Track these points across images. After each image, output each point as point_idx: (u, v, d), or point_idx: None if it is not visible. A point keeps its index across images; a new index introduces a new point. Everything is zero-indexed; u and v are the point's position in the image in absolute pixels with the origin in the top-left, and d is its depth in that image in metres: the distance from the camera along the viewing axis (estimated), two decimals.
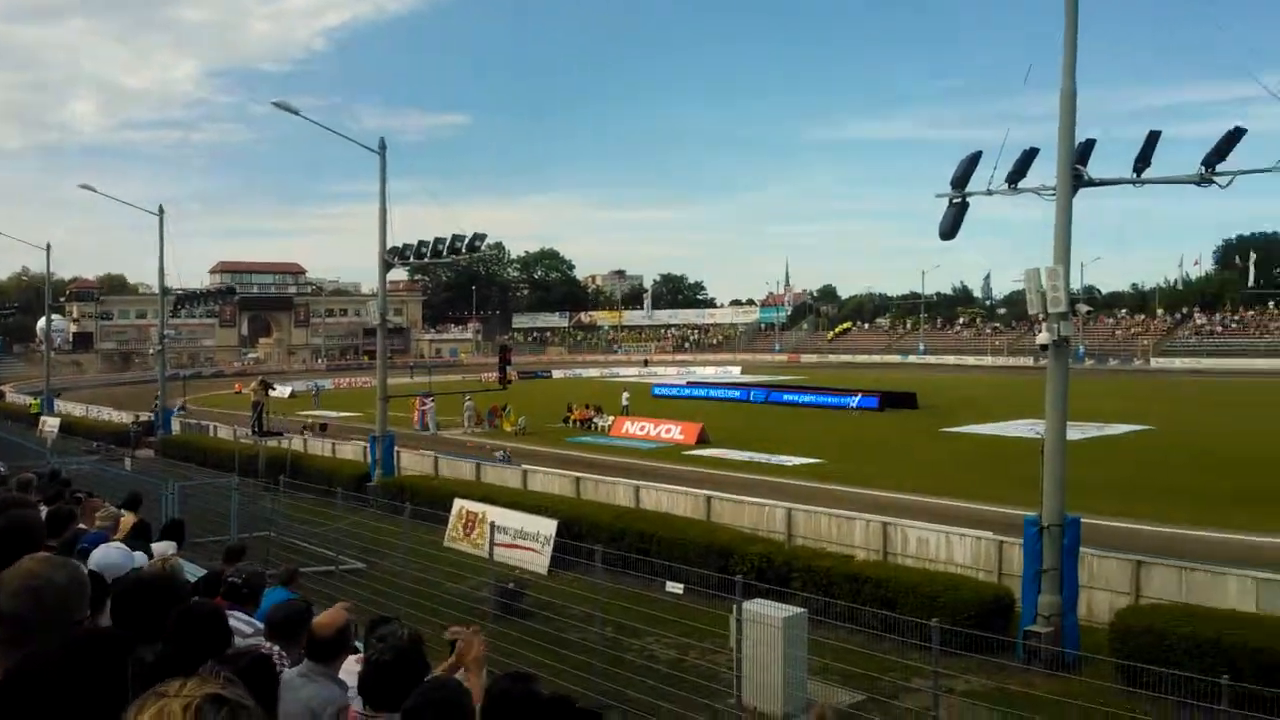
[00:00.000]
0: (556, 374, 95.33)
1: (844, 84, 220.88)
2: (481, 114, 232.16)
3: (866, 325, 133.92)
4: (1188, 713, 10.20)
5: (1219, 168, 12.77)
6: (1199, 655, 11.18)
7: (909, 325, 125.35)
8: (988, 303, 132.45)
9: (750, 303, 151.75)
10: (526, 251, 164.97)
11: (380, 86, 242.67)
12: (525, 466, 26.09)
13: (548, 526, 18.88)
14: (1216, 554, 17.82)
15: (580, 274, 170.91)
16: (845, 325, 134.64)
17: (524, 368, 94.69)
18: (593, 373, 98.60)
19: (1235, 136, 12.77)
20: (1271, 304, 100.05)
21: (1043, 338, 13.56)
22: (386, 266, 28.31)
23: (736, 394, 61.81)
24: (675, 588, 13.60)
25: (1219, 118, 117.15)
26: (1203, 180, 12.86)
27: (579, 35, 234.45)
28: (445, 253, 26.78)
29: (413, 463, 29.09)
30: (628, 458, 34.58)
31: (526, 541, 19.03)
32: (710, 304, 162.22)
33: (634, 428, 41.74)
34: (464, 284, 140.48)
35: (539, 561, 18.49)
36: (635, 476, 25.60)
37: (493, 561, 16.78)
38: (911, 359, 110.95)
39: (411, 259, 28.34)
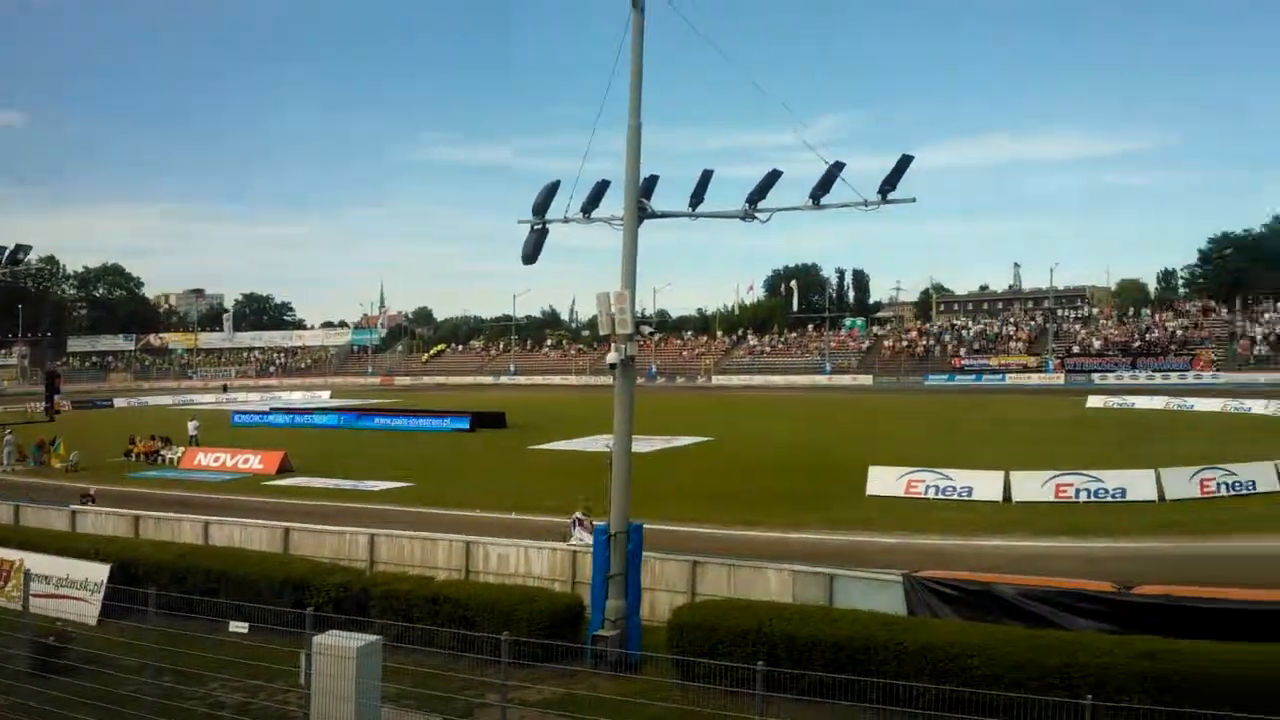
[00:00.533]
0: (120, 403, 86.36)
1: (439, 108, 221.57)
2: (42, 114, 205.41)
3: (461, 347, 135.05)
4: (732, 699, 11.28)
5: (760, 204, 14.31)
6: (744, 644, 12.34)
7: (501, 347, 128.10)
8: (574, 325, 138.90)
9: (343, 324, 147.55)
10: (86, 267, 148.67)
11: None
12: (74, 507, 23.37)
13: (98, 571, 17.04)
14: (762, 550, 19.94)
15: (150, 292, 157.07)
16: (440, 347, 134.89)
17: (80, 396, 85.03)
18: (164, 400, 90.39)
19: (773, 178, 14.38)
20: (810, 327, 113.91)
21: (611, 357, 14.32)
22: None
23: (325, 419, 59.71)
24: (239, 627, 12.79)
25: (763, 161, 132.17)
26: (746, 215, 14.33)
27: (163, 35, 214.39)
28: None
29: None
30: (200, 492, 32.12)
31: (73, 590, 17.05)
32: (299, 325, 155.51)
33: (207, 459, 38.80)
34: (7, 302, 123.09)
35: (87, 611, 16.63)
36: (207, 511, 23.88)
37: (29, 615, 14.82)
38: (503, 380, 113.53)
39: None
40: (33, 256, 23.42)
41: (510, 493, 29.55)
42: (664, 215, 14.87)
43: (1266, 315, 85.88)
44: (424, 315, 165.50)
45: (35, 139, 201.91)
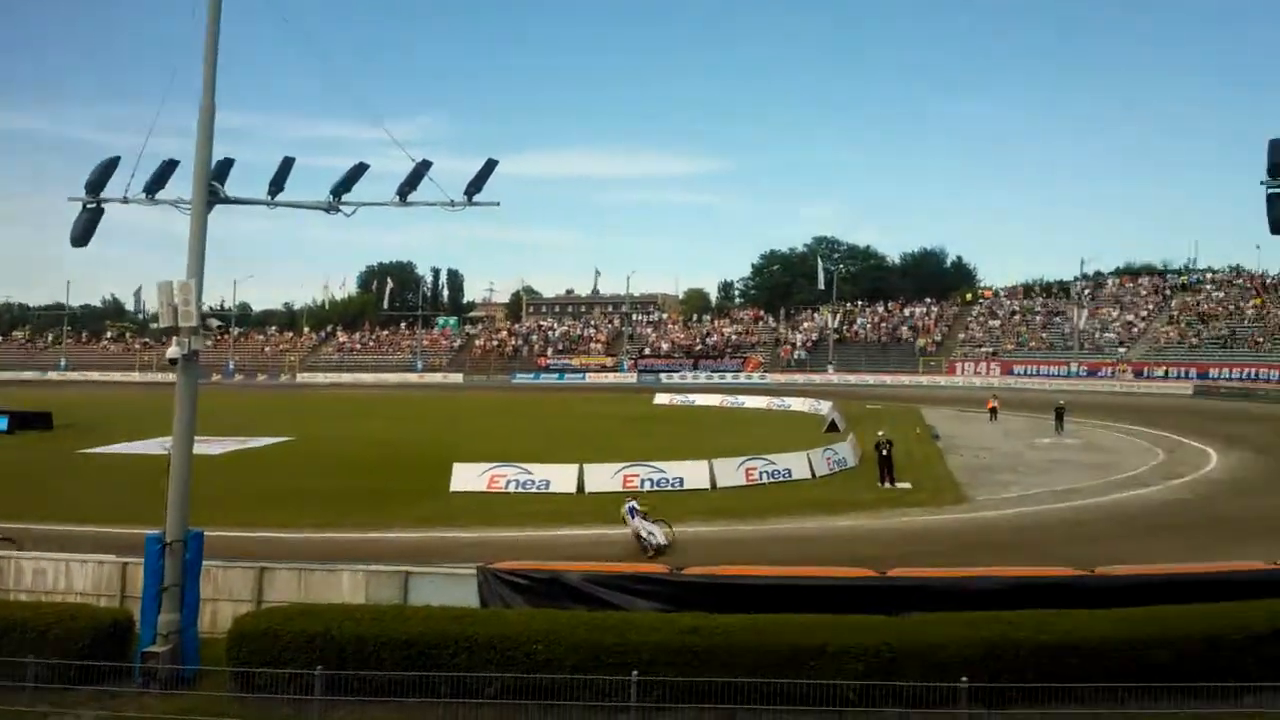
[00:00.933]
0: None
1: None
2: None
3: (2, 339, 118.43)
4: (297, 707, 10.94)
5: (346, 198, 13.97)
6: (310, 650, 11.96)
7: (50, 339, 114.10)
8: (140, 316, 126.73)
9: None
10: None
11: None
12: None
13: None
14: (341, 552, 19.48)
15: None
16: None
17: None
18: None
19: (359, 171, 14.11)
20: (403, 324, 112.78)
21: (172, 352, 13.33)
22: None
23: None
24: None
25: (356, 154, 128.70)
26: (330, 208, 13.94)
27: None
28: None
29: None
30: None
31: None
32: None
33: None
34: None
35: None
36: None
37: None
38: (52, 375, 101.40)
39: None
40: None
41: (55, 501, 26.41)
42: (238, 202, 14.08)
43: (805, 324, 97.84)
44: None
45: None
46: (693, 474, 28.22)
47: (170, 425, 13.39)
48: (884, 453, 28.78)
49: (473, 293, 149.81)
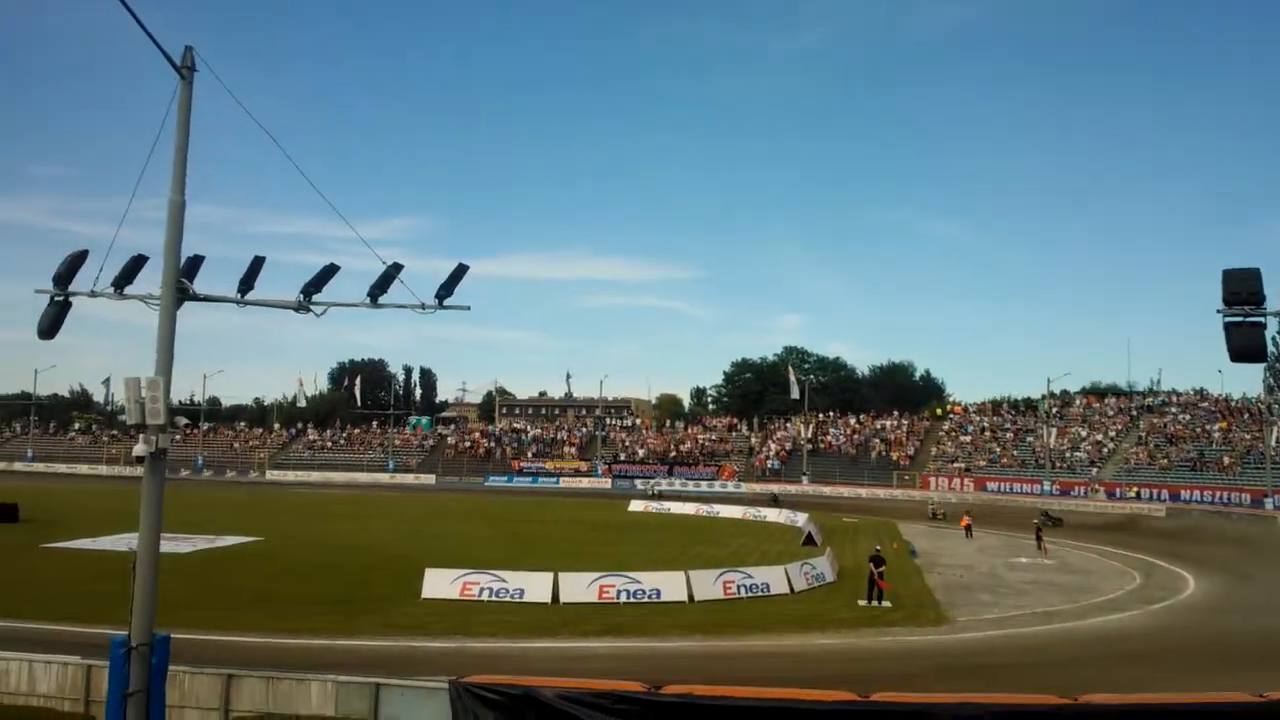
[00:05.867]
0: None
1: None
2: None
3: None
4: None
5: (316, 298, 13.99)
6: None
7: (18, 429, 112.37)
8: (108, 408, 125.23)
9: None
10: None
11: None
12: None
13: None
14: (311, 660, 18.97)
15: None
16: None
17: None
18: None
19: (330, 272, 14.15)
20: (375, 423, 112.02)
21: (139, 449, 13.09)
22: None
23: None
24: None
25: (329, 251, 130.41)
26: (301, 307, 13.93)
27: None
28: None
29: None
30: None
31: None
32: None
33: None
34: None
35: None
36: None
37: None
38: (18, 466, 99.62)
39: None
40: None
41: (16, 598, 25.66)
42: (208, 299, 14.03)
43: (779, 433, 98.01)
44: None
45: None
46: (670, 586, 27.84)
47: (136, 521, 13.11)
48: (874, 568, 28.66)
49: (445, 392, 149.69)
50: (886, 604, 28.12)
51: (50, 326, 13.85)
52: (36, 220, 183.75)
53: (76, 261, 13.70)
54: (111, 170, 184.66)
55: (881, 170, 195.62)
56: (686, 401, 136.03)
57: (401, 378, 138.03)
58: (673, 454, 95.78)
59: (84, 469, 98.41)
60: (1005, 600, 30.32)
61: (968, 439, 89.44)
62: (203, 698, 14.29)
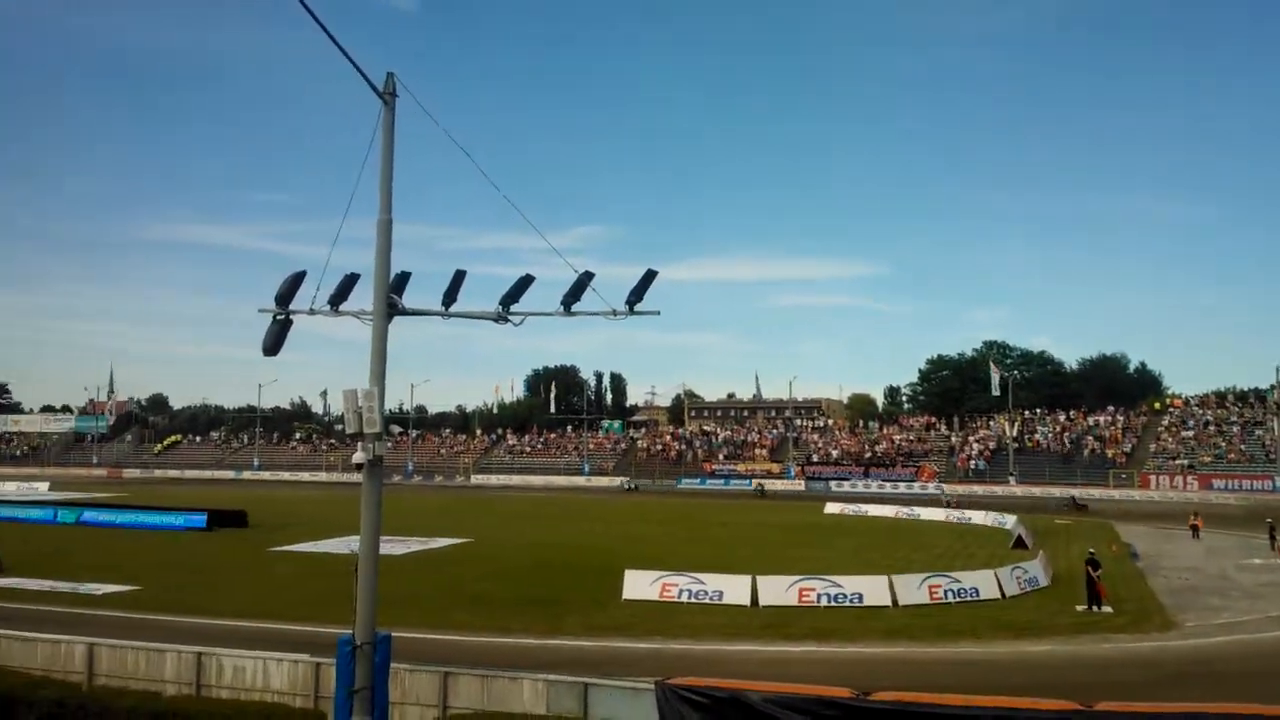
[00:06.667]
0: None
1: (173, 185, 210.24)
2: None
3: (199, 439, 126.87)
4: None
5: (513, 308, 14.32)
6: None
7: (245, 439, 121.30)
8: (326, 418, 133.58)
9: (66, 410, 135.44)
10: None
11: None
12: None
13: None
14: (519, 658, 19.55)
15: None
16: (175, 438, 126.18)
17: None
18: None
19: (526, 282, 14.45)
20: (569, 428, 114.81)
21: (358, 457, 13.70)
22: None
23: (41, 514, 54.11)
24: None
25: (521, 262, 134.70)
26: (500, 318, 14.28)
27: None
28: None
29: None
30: None
31: None
32: (15, 409, 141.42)
33: None
34: None
35: None
36: None
37: None
38: (246, 475, 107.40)
39: None
40: None
41: (249, 598, 27.68)
42: (416, 313, 14.56)
43: (981, 432, 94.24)
44: (158, 403, 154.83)
45: None
46: (872, 590, 27.10)
47: (353, 525, 13.73)
48: (1092, 571, 27.11)
49: (635, 396, 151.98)
50: (1107, 609, 26.45)
51: (274, 344, 14.64)
52: (255, 244, 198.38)
53: (295, 282, 14.43)
54: (321, 194, 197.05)
55: (1084, 152, 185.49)
56: (880, 401, 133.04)
57: (593, 383, 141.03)
58: (868, 455, 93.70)
59: (305, 476, 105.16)
60: (1236, 604, 28.00)
61: (1190, 434, 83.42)
62: (422, 695, 14.86)
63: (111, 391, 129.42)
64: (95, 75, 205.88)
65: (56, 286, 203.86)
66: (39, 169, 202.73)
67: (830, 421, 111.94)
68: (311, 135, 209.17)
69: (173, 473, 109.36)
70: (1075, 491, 70.34)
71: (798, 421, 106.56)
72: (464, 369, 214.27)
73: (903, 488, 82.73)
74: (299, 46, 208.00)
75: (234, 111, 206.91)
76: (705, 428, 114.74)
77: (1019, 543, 40.46)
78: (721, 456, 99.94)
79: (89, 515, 52.79)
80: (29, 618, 23.36)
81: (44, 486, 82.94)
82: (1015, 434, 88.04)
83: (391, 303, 13.93)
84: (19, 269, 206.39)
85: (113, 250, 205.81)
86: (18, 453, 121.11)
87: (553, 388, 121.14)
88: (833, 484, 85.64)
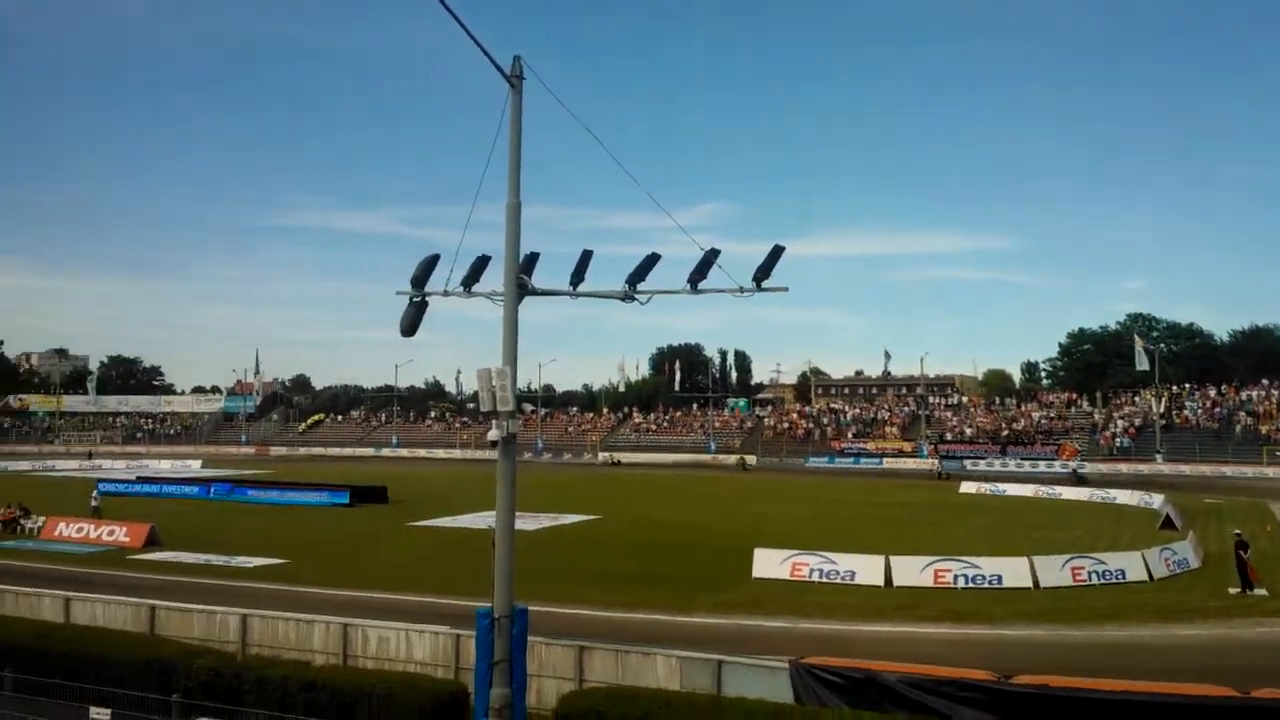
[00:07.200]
0: None
1: (309, 173, 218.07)
2: None
3: (340, 417, 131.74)
4: None
5: (640, 286, 14.36)
6: None
7: (383, 418, 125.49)
8: (458, 397, 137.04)
9: (215, 390, 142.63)
10: None
11: None
12: None
13: None
14: (651, 634, 19.70)
15: (10, 351, 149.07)
16: (318, 417, 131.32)
17: None
18: (22, 466, 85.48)
19: (652, 261, 14.46)
20: (695, 406, 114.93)
21: (493, 434, 13.99)
22: None
23: (195, 490, 57.28)
24: (101, 713, 11.97)
25: (646, 241, 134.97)
26: (627, 296, 14.34)
27: (32, 83, 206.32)
28: None
29: None
30: (61, 565, 30.35)
31: None
32: (169, 390, 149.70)
33: (70, 530, 36.75)
34: None
35: None
36: (69, 586, 22.52)
37: None
38: (385, 452, 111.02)
39: None
40: None
41: (390, 571, 28.75)
42: (545, 293, 14.74)
43: (1126, 408, 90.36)
44: (301, 383, 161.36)
45: None
46: (1012, 571, 26.33)
47: (487, 501, 14.00)
48: (1242, 553, 25.75)
49: (760, 374, 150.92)
50: (1261, 591, 25.10)
51: (411, 325, 15.05)
52: (387, 229, 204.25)
53: (430, 265, 14.78)
54: (449, 180, 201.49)
55: (1227, 114, 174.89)
56: (1016, 377, 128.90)
57: (717, 361, 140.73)
58: (1004, 433, 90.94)
59: (439, 453, 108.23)
60: None
61: None
62: (559, 667, 15.18)
63: (258, 373, 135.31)
64: (241, 77, 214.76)
65: (207, 272, 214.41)
66: (197, 164, 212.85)
67: (964, 398, 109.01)
68: (438, 122, 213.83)
69: (316, 450, 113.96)
70: (1159, 466, 66.09)
71: (930, 399, 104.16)
72: (588, 347, 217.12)
73: (1042, 466, 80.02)
74: (421, 38, 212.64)
75: (368, 102, 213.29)
76: (833, 405, 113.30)
77: (1167, 523, 38.72)
78: (850, 435, 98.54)
79: (239, 491, 55.64)
80: (186, 589, 24.84)
81: (197, 464, 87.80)
82: (1162, 410, 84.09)
83: (521, 283, 14.13)
84: (175, 256, 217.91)
85: (257, 236, 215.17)
86: (171, 432, 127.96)
87: (677, 366, 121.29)
88: (967, 463, 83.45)
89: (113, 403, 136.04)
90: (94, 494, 44.02)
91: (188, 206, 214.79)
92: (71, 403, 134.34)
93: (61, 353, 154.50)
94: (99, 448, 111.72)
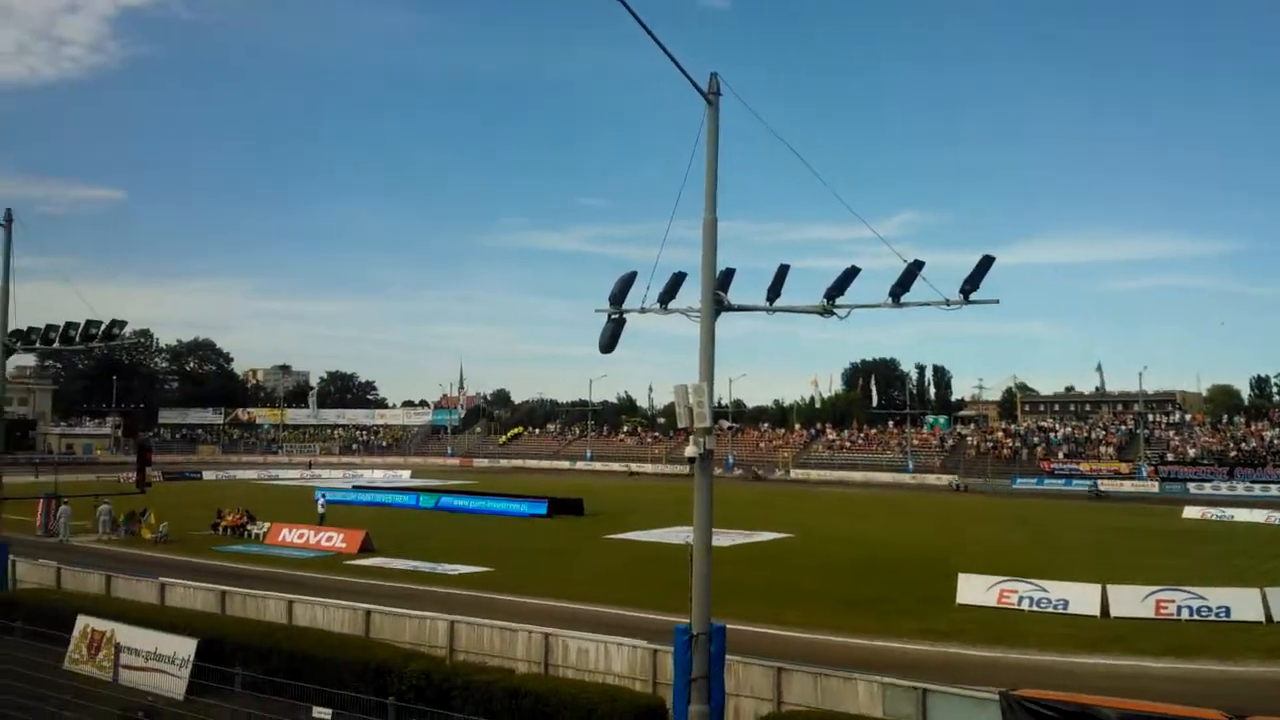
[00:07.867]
0: (208, 475, 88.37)
1: (511, 195, 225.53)
2: (138, 190, 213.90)
3: (537, 431, 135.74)
4: None
5: (838, 301, 14.09)
6: None
7: (578, 432, 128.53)
8: (650, 412, 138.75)
9: (423, 404, 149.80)
10: (179, 340, 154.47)
11: (14, 150, 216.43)
12: (164, 579, 23.70)
13: (185, 646, 17.12)
14: (849, 658, 19.26)
15: (239, 367, 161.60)
16: (517, 430, 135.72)
17: (171, 468, 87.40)
18: (249, 474, 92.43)
19: (852, 274, 14.17)
20: (891, 423, 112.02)
21: (690, 450, 14.03)
22: (6, 351, 25.24)
23: (405, 499, 60.40)
24: (322, 713, 12.72)
25: (842, 254, 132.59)
26: (825, 311, 14.09)
27: (251, 117, 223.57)
28: (78, 339, 24.14)
29: (30, 574, 25.80)
30: (283, 568, 32.54)
31: (160, 664, 17.18)
32: (381, 404, 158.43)
33: (292, 535, 39.42)
34: (103, 373, 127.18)
35: (175, 686, 16.69)
36: (290, 589, 24.12)
37: (118, 687, 14.96)
38: (579, 465, 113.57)
39: (38, 344, 25.32)
40: (127, 330, 23.97)
41: (588, 583, 29.26)
42: (741, 309, 14.67)
43: None
44: (502, 397, 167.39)
45: (133, 215, 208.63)
46: (1242, 603, 24.25)
47: (681, 515, 14.02)
48: None
49: (960, 390, 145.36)
50: None
51: (609, 341, 15.29)
52: (579, 247, 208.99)
53: (627, 282, 14.99)
54: (641, 197, 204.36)
55: None
56: (1245, 393, 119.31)
57: (914, 376, 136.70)
58: (1232, 453, 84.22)
59: (632, 467, 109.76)
60: None
61: None
62: (757, 688, 15.02)
63: (462, 387, 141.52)
64: (444, 107, 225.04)
65: (415, 293, 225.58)
66: (408, 188, 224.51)
67: (1188, 416, 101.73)
68: (630, 142, 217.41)
69: (516, 462, 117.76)
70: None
71: (1149, 416, 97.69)
72: (779, 362, 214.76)
73: (1274, 490, 73.61)
74: (618, 59, 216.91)
75: (561, 124, 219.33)
76: (1041, 423, 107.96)
77: None
78: (1061, 455, 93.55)
79: (445, 501, 58.32)
80: (396, 594, 26.13)
81: (406, 474, 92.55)
82: None
83: (718, 299, 14.15)
84: (388, 276, 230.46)
85: (460, 257, 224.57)
86: (384, 443, 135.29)
87: (872, 381, 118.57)
88: (1191, 486, 77.70)
89: (331, 416, 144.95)
90: (321, 501, 47.08)
91: (403, 230, 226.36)
92: (294, 416, 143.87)
93: (285, 369, 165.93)
94: (318, 458, 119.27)
